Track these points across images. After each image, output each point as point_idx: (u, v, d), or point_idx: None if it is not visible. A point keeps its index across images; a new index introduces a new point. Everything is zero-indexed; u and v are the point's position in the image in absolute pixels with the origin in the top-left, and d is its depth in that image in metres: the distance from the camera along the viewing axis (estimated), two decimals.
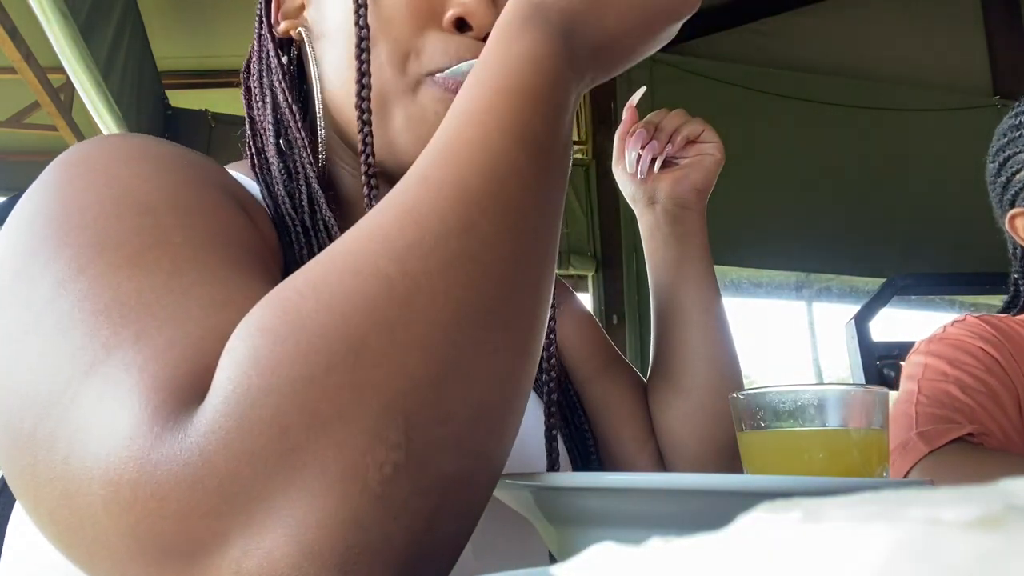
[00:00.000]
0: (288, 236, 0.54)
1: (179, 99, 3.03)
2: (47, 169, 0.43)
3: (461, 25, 0.54)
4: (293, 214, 0.54)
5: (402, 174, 0.53)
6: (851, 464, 0.49)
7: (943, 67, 3.69)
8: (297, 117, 0.57)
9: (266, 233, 0.51)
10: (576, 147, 3.75)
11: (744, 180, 3.36)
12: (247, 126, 0.60)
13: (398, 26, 0.53)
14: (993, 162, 1.15)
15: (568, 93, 0.40)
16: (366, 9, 0.52)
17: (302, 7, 0.61)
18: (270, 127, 0.58)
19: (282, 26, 0.61)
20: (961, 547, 0.13)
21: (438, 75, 0.53)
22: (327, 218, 0.55)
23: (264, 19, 0.62)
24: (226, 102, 3.05)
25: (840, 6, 3.54)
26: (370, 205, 0.52)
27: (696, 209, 0.77)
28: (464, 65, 0.53)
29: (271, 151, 0.57)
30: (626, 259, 3.33)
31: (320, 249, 0.53)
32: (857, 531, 0.14)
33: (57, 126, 2.57)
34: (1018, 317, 1.12)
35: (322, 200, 0.55)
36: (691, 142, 0.78)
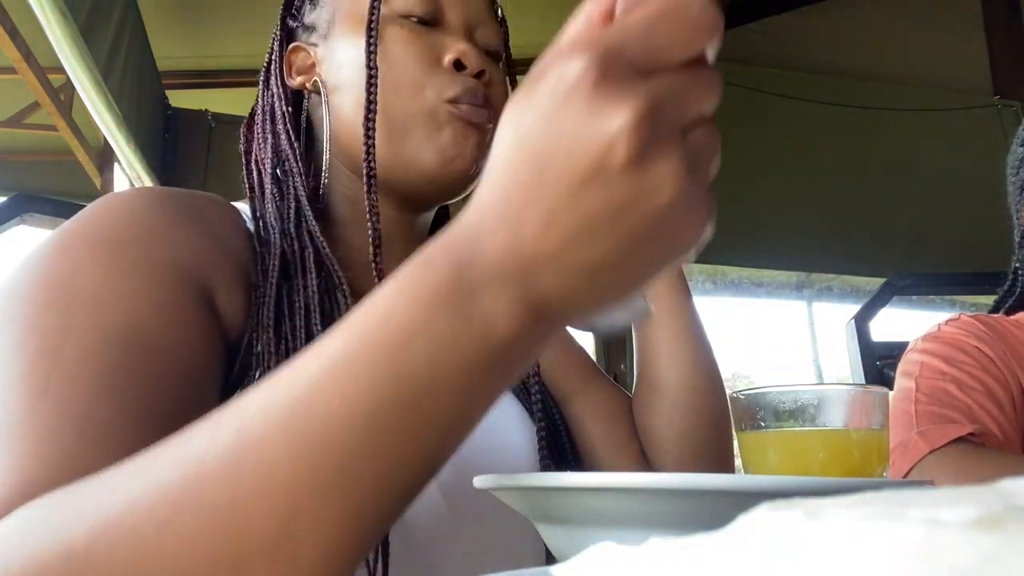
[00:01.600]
0: (268, 249, 0.61)
1: (179, 99, 3.03)
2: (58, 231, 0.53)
3: (459, 66, 0.65)
4: (274, 224, 0.63)
5: (408, 189, 0.66)
6: (851, 464, 0.49)
7: (943, 67, 3.68)
8: (296, 150, 0.67)
9: (234, 272, 0.57)
10: None
11: (744, 180, 3.36)
12: (244, 168, 0.69)
13: (406, 68, 0.64)
14: (1022, 147, 1.15)
15: (459, 320, 0.31)
16: (375, 49, 0.63)
17: (313, 65, 0.70)
18: (268, 161, 0.67)
19: (297, 80, 0.70)
20: (961, 547, 0.13)
21: (455, 104, 0.64)
22: (312, 227, 0.63)
23: (273, 75, 0.71)
24: (226, 102, 3.04)
25: (840, 6, 3.54)
26: (372, 211, 0.62)
27: None
28: None
29: (267, 179, 0.66)
30: None
31: (301, 252, 0.62)
32: (857, 531, 0.14)
33: (57, 126, 2.57)
34: (1011, 317, 1.13)
35: (308, 212, 0.64)
36: None
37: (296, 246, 0.62)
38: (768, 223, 3.42)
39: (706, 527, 0.17)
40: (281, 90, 0.70)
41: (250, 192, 0.67)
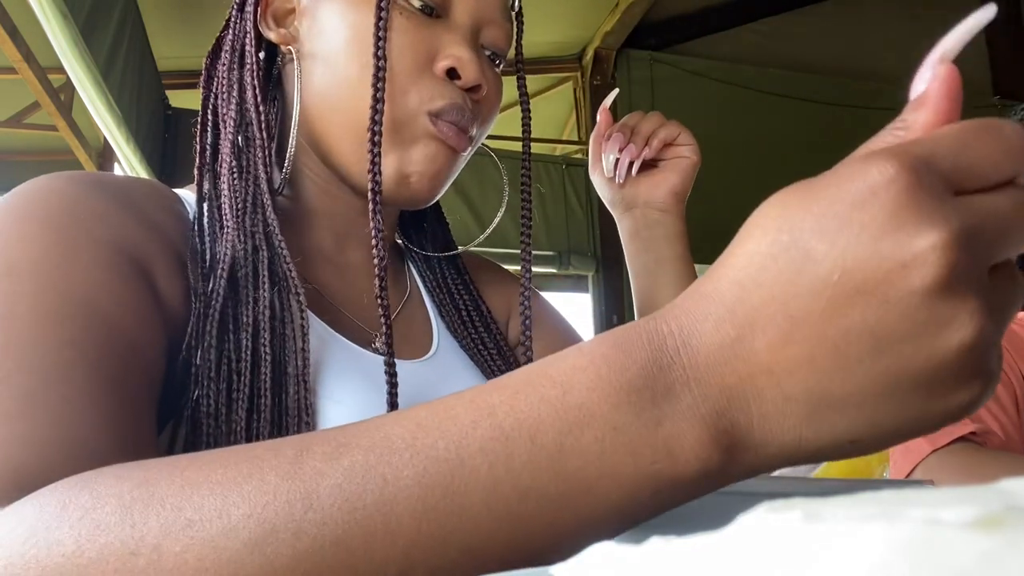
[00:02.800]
0: (212, 243, 0.53)
1: (179, 99, 3.02)
2: None
3: (452, 74, 0.57)
4: (228, 213, 0.54)
5: (365, 189, 0.55)
6: (851, 464, 0.49)
7: None
8: (262, 117, 0.57)
9: (166, 270, 0.51)
10: (576, 147, 3.74)
11: (743, 180, 3.36)
12: (202, 117, 0.59)
13: (395, 64, 0.56)
14: None
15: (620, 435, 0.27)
16: (385, 42, 0.54)
17: (292, 11, 0.61)
18: (231, 122, 0.57)
19: (273, 34, 0.60)
20: (961, 547, 0.13)
21: (436, 119, 0.57)
22: (271, 222, 0.55)
23: (244, 10, 0.61)
24: None
25: (840, 6, 3.54)
26: (375, 218, 0.54)
27: (674, 212, 0.78)
28: None
29: (226, 147, 0.57)
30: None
31: (254, 255, 0.53)
32: (857, 531, 0.14)
33: (57, 126, 2.57)
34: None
35: (268, 202, 0.55)
36: (667, 145, 0.78)
37: (249, 246, 0.54)
38: None
39: (706, 527, 0.17)
40: (254, 31, 0.59)
41: (201, 161, 0.58)
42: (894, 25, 3.51)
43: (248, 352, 0.50)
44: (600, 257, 3.37)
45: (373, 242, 0.54)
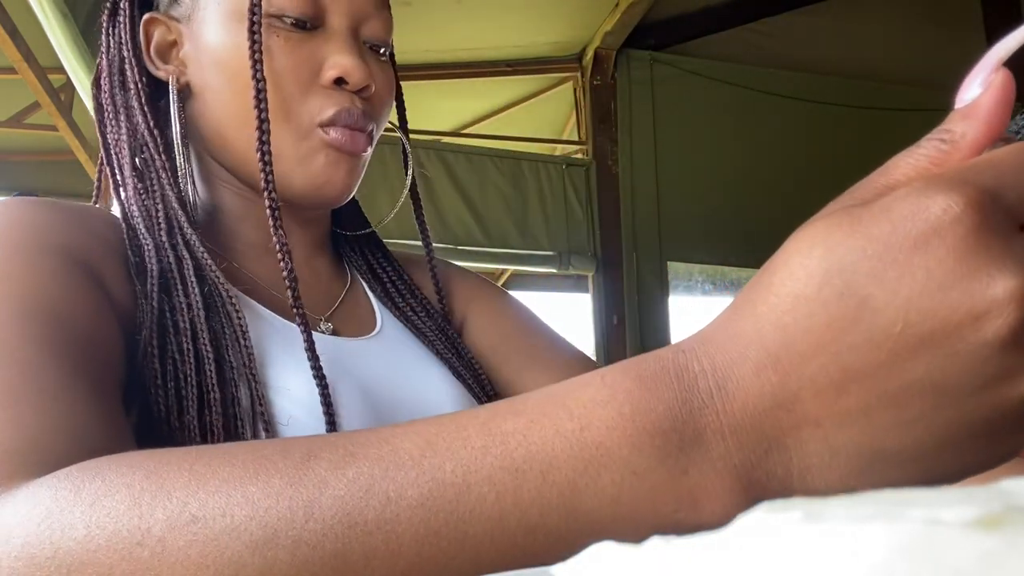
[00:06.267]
0: (142, 260, 0.55)
1: None
2: None
3: (340, 82, 0.59)
4: (144, 233, 0.57)
5: (283, 200, 0.58)
6: None
7: (943, 67, 3.68)
8: (157, 139, 0.59)
9: (115, 281, 0.53)
10: (576, 147, 3.74)
11: (744, 180, 3.36)
12: (102, 146, 0.61)
13: (279, 86, 0.57)
14: None
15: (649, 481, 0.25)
16: (262, 64, 0.55)
17: (174, 43, 0.62)
18: (125, 147, 0.59)
19: (162, 72, 0.62)
20: (961, 547, 0.13)
21: (329, 128, 0.59)
22: (188, 235, 0.57)
23: (112, 35, 0.62)
24: None
25: (840, 6, 3.54)
26: (276, 230, 0.55)
27: None
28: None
29: (127, 172, 0.59)
30: (626, 259, 3.33)
31: (178, 265, 0.55)
32: (857, 531, 0.14)
33: (57, 126, 2.57)
34: None
35: (180, 216, 0.57)
36: None
37: (171, 257, 0.55)
38: (768, 223, 3.42)
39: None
40: (134, 58, 0.61)
41: (112, 182, 0.60)
42: (894, 25, 3.51)
43: (190, 355, 0.51)
44: (600, 257, 3.37)
45: (279, 255, 0.55)
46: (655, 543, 0.17)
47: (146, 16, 0.62)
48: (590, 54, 3.46)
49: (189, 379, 0.51)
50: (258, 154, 0.55)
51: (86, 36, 1.87)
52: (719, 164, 3.41)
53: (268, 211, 0.55)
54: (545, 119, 3.94)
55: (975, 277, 0.22)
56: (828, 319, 0.24)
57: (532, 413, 0.27)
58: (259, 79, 0.55)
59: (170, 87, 0.61)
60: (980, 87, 0.25)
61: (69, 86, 2.19)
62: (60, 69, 1.95)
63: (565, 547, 0.26)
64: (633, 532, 0.25)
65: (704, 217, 3.34)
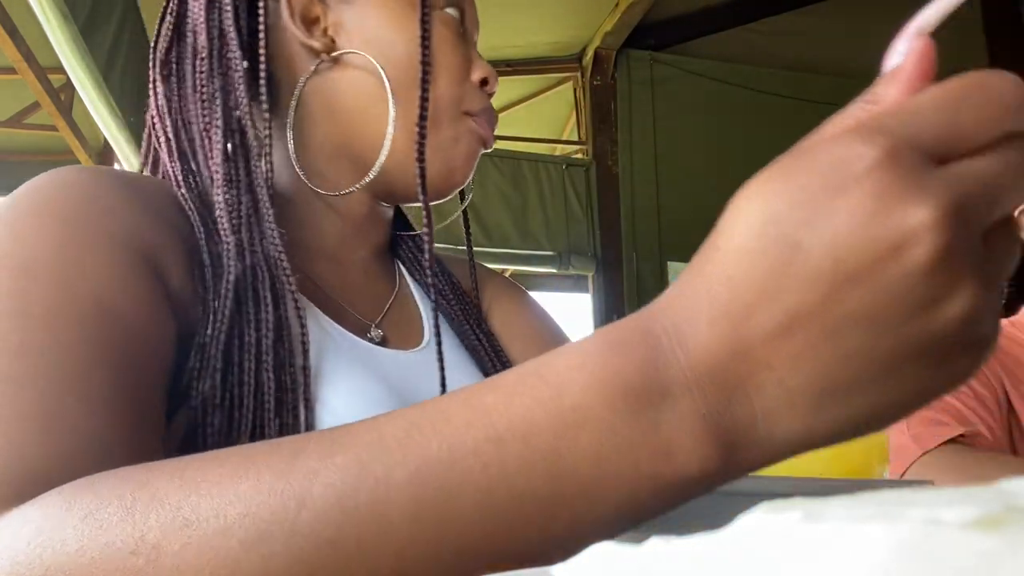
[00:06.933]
0: (219, 260, 0.52)
1: None
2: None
3: (483, 83, 0.64)
4: (228, 230, 0.53)
5: (398, 184, 0.62)
6: (851, 464, 0.49)
7: (943, 67, 3.68)
8: (268, 124, 0.57)
9: (177, 265, 0.51)
10: (576, 147, 3.74)
11: (743, 180, 3.35)
12: (174, 135, 0.57)
13: (445, 71, 0.61)
14: None
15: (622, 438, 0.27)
16: (430, 50, 0.59)
17: (318, 20, 0.61)
18: (218, 132, 0.55)
19: (317, 43, 0.59)
20: (961, 547, 0.13)
21: (476, 118, 0.62)
22: (276, 250, 0.54)
23: (212, 16, 0.58)
24: None
25: (840, 6, 3.54)
26: (427, 209, 0.58)
27: None
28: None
29: (217, 159, 0.55)
30: (626, 259, 3.33)
31: (254, 277, 0.52)
32: (857, 531, 0.14)
33: (57, 126, 2.57)
34: None
35: (268, 213, 0.54)
36: None
37: (248, 263, 0.52)
38: None
39: (706, 527, 0.17)
40: (243, 37, 0.58)
41: (183, 179, 0.56)
42: (894, 25, 3.51)
43: (251, 376, 0.49)
44: (600, 257, 3.37)
45: (426, 239, 0.59)
46: (655, 543, 0.17)
47: None
48: (590, 54, 3.46)
49: (247, 404, 0.49)
50: (416, 136, 0.57)
51: (86, 36, 1.87)
52: (719, 164, 3.41)
53: (419, 190, 0.58)
54: (545, 119, 3.93)
55: (892, 213, 0.24)
56: (768, 267, 0.25)
57: (510, 386, 0.29)
58: (426, 62, 0.58)
59: (294, 63, 0.60)
60: (902, 55, 0.28)
61: (69, 86, 2.19)
62: (60, 69, 1.95)
63: (551, 513, 0.27)
64: (615, 491, 0.27)
65: (704, 217, 3.34)
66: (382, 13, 0.60)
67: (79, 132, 2.67)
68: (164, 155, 0.58)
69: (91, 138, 2.79)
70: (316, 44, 0.60)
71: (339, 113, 0.61)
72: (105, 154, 2.93)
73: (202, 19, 0.58)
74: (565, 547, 0.27)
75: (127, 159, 2.43)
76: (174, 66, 0.59)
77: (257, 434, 0.49)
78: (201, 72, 0.57)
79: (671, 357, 0.27)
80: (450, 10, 0.62)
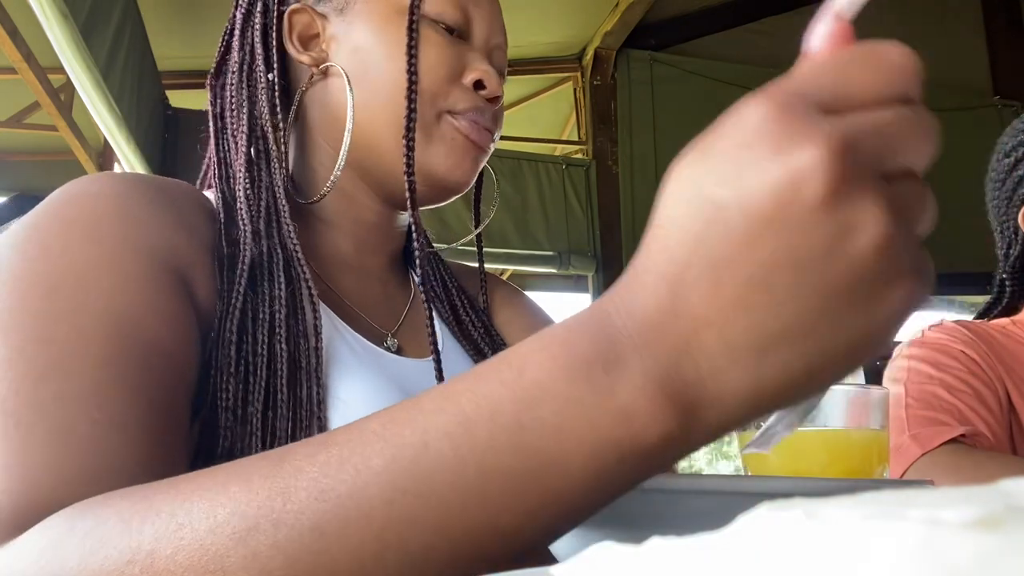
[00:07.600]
0: (237, 249, 0.56)
1: (179, 99, 3.02)
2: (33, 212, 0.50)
3: (478, 86, 0.64)
4: (246, 220, 0.58)
5: (403, 187, 0.61)
6: (851, 464, 0.49)
7: (943, 67, 3.69)
8: (281, 133, 0.63)
9: (204, 270, 0.54)
10: (576, 147, 3.74)
11: None
12: (213, 137, 0.64)
13: (430, 76, 0.62)
14: (1008, 157, 1.15)
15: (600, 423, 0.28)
16: (416, 60, 0.61)
17: (317, 38, 0.65)
18: (244, 137, 0.61)
19: (305, 58, 0.64)
20: (961, 547, 0.13)
21: (458, 116, 0.63)
22: (287, 229, 0.59)
23: (255, 28, 0.64)
24: None
25: None
26: (412, 200, 0.61)
27: None
28: None
29: (240, 159, 0.61)
30: (626, 259, 3.32)
31: (269, 256, 0.57)
32: (857, 531, 0.14)
33: (57, 126, 2.57)
34: (993, 322, 1.14)
35: (284, 210, 0.60)
36: None
37: (265, 248, 0.57)
38: None
39: (706, 527, 0.17)
40: (270, 52, 0.64)
41: (219, 172, 0.62)
42: (894, 25, 3.51)
43: (264, 347, 0.53)
44: (600, 257, 3.37)
45: (415, 235, 0.60)
46: (655, 543, 0.17)
47: (294, 5, 0.65)
48: (590, 54, 3.46)
49: (259, 373, 0.52)
50: (404, 140, 0.60)
51: (86, 36, 1.87)
52: None
53: (406, 187, 0.59)
54: (545, 119, 3.93)
55: (785, 154, 0.25)
56: (695, 229, 0.27)
57: (478, 372, 0.31)
58: (412, 71, 0.60)
59: (301, 76, 0.65)
60: (821, 37, 0.29)
61: (69, 86, 2.19)
62: (60, 69, 1.95)
63: (522, 486, 0.28)
64: (580, 460, 0.28)
65: None
66: (368, 23, 0.63)
67: (79, 132, 2.68)
68: (210, 151, 0.64)
69: (91, 138, 2.80)
70: (305, 59, 0.65)
71: (334, 122, 0.64)
72: (105, 154, 2.93)
73: (238, 35, 0.64)
74: (541, 522, 0.29)
75: (127, 159, 2.43)
76: (223, 76, 0.65)
77: (270, 404, 0.51)
78: (233, 84, 0.63)
79: (620, 326, 0.28)
80: (447, 15, 0.63)
